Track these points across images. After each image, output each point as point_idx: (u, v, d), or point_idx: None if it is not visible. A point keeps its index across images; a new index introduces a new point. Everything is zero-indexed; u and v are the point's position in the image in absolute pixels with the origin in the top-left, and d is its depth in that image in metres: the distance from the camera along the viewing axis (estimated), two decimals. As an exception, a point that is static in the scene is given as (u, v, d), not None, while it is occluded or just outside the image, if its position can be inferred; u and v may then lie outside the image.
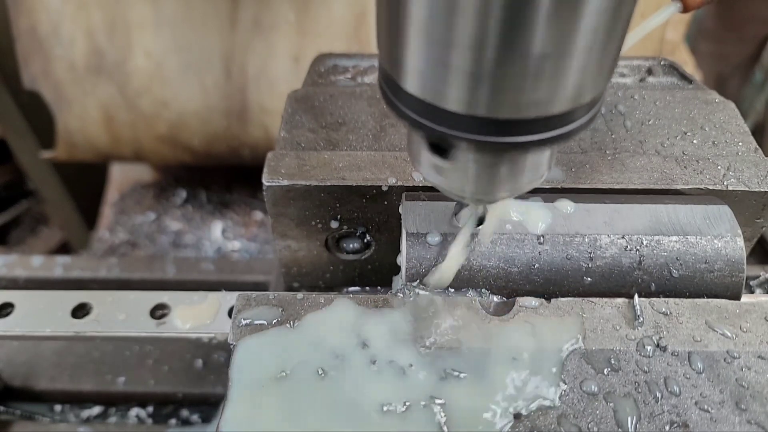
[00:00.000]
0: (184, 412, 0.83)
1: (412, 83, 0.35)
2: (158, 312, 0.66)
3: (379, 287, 0.68)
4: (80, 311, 0.66)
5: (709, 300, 0.51)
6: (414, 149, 0.43)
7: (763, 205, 0.59)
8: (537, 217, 0.54)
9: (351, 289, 0.69)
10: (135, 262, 0.85)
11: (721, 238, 0.53)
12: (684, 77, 0.73)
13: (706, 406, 0.45)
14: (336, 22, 1.17)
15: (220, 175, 1.57)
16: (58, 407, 0.83)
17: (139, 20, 1.18)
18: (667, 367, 0.47)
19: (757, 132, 1.90)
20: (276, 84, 1.21)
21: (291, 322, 0.49)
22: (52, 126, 1.29)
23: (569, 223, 0.54)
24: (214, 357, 0.82)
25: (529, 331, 0.49)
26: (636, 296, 0.51)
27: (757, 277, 0.68)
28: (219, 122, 1.26)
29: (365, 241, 0.64)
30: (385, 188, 0.58)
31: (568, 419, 0.44)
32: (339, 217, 0.61)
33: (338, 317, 0.50)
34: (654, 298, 0.51)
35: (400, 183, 0.58)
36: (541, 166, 0.42)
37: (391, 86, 0.37)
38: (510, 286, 0.53)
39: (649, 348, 0.48)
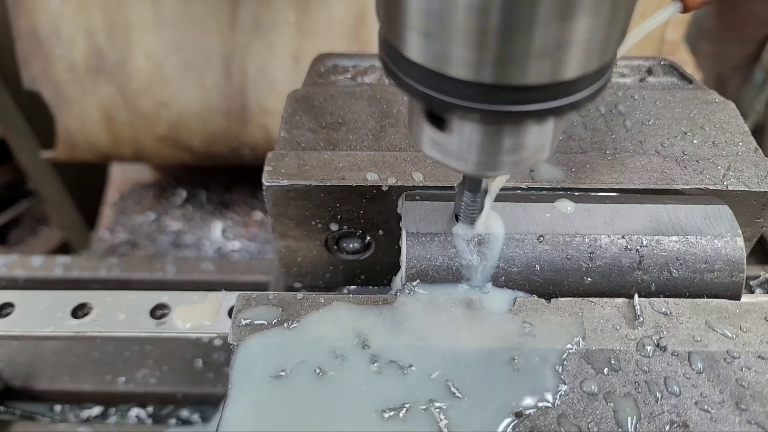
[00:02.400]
0: (184, 412, 0.83)
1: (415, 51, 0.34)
2: (158, 312, 0.66)
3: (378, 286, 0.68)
4: (80, 311, 0.66)
5: (709, 300, 0.51)
6: (414, 124, 0.43)
7: (763, 205, 0.59)
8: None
9: (351, 288, 0.69)
10: (135, 262, 0.84)
11: (721, 238, 0.53)
12: (684, 77, 0.73)
13: (706, 406, 0.45)
14: (336, 22, 1.17)
15: (220, 175, 1.57)
16: (58, 407, 0.83)
17: (139, 20, 1.18)
18: (667, 367, 0.47)
19: (757, 132, 1.90)
20: (276, 84, 1.21)
21: (291, 322, 0.49)
22: (52, 126, 1.29)
23: (569, 223, 0.54)
24: (214, 357, 0.82)
25: (529, 331, 0.49)
26: (636, 296, 0.51)
27: (757, 277, 0.68)
28: (219, 122, 1.26)
29: (365, 241, 0.64)
30: (385, 188, 0.58)
31: (568, 419, 0.44)
32: (339, 217, 0.61)
33: (338, 317, 0.50)
34: (654, 298, 0.51)
35: (400, 183, 0.58)
36: (544, 141, 0.41)
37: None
38: (510, 286, 0.53)
39: (649, 348, 0.48)
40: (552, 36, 0.31)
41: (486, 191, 0.51)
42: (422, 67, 0.34)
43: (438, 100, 0.35)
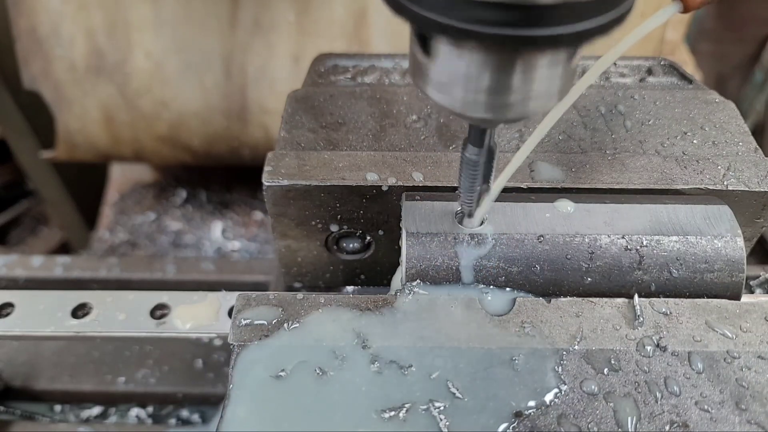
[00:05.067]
0: (184, 412, 0.83)
1: None
2: (158, 312, 0.66)
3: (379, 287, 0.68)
4: (80, 311, 0.66)
5: (709, 300, 0.51)
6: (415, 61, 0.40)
7: (763, 205, 0.59)
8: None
9: (351, 288, 0.69)
10: (135, 262, 0.84)
11: (721, 238, 0.53)
12: (684, 77, 0.73)
13: (706, 406, 0.45)
14: (336, 22, 1.17)
15: (220, 175, 1.57)
16: (58, 407, 0.83)
17: (139, 20, 1.18)
18: (667, 367, 0.47)
19: (757, 132, 1.90)
20: (276, 84, 1.21)
21: (291, 322, 0.49)
22: (52, 126, 1.29)
23: (569, 223, 0.54)
24: (214, 357, 0.82)
25: (529, 331, 0.49)
26: (636, 296, 0.51)
27: (757, 277, 0.68)
28: (219, 122, 1.26)
29: (365, 241, 0.64)
30: (385, 188, 0.58)
31: (568, 419, 0.44)
32: (339, 217, 0.61)
33: (338, 317, 0.50)
34: (654, 298, 0.51)
35: (400, 183, 0.58)
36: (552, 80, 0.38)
37: None
38: (510, 286, 0.53)
39: (649, 348, 0.48)
40: None
41: (492, 150, 0.47)
42: None
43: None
